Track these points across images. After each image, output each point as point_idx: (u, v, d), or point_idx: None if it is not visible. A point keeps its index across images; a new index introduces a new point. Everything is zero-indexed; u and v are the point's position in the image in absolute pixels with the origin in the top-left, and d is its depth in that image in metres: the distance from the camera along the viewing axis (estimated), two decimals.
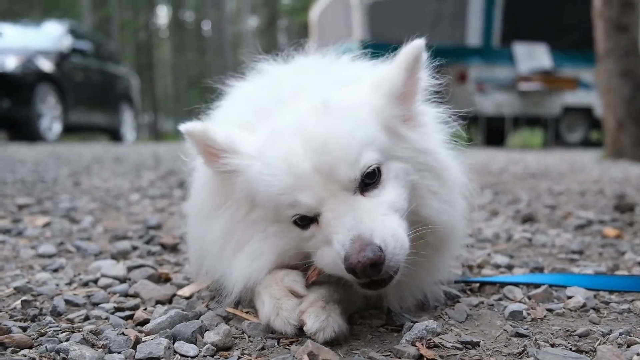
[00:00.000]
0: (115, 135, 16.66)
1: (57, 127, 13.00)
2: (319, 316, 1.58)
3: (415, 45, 1.70)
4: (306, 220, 1.61)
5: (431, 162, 1.75)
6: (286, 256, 1.72)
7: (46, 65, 12.69)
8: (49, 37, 13.71)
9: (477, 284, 2.19)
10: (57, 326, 1.72)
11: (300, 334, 1.61)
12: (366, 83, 1.73)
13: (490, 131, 16.12)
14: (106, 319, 1.82)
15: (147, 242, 2.92)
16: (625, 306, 1.95)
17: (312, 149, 1.56)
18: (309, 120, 1.61)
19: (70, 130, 15.02)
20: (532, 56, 15.49)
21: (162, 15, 52.50)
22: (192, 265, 2.15)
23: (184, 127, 1.69)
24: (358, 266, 1.46)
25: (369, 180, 1.59)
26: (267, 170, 1.60)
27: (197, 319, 1.75)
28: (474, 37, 15.47)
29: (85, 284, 2.20)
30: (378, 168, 1.61)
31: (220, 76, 2.02)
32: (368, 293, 1.69)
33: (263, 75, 1.92)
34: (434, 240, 1.74)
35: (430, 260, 1.75)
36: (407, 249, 1.55)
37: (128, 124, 17.14)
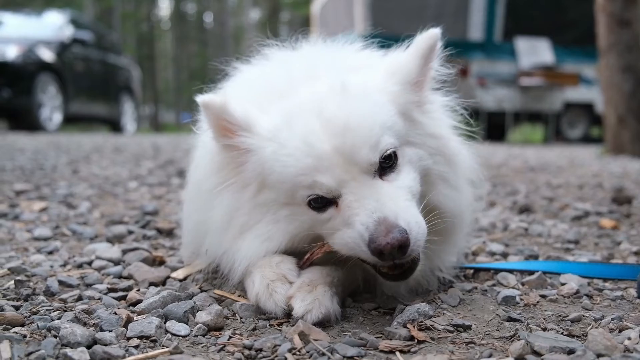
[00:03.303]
0: (115, 126, 16.64)
1: (57, 117, 12.98)
2: (304, 299, 1.59)
3: (432, 35, 1.74)
4: (322, 202, 1.61)
5: (442, 148, 1.78)
6: (297, 239, 1.72)
7: (47, 55, 12.66)
8: (50, 26, 13.68)
9: (471, 271, 2.19)
10: (50, 305, 1.73)
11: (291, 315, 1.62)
12: (381, 69, 1.75)
13: (491, 126, 16.09)
14: (99, 299, 1.82)
15: (143, 227, 2.92)
16: (619, 293, 1.95)
17: (333, 130, 1.56)
18: (327, 101, 1.61)
19: (71, 121, 15.00)
20: (534, 51, 15.43)
21: (164, 7, 52.52)
22: (185, 247, 2.14)
23: (202, 98, 1.66)
24: (386, 248, 1.47)
25: (387, 164, 1.61)
26: (284, 150, 1.59)
27: (190, 299, 1.75)
28: (476, 31, 15.42)
29: (80, 266, 2.20)
30: (395, 152, 1.63)
31: (226, 59, 2.01)
32: (391, 284, 1.71)
33: (271, 60, 1.92)
34: (444, 227, 1.74)
35: (434, 248, 1.74)
36: (425, 236, 1.57)
37: (128, 115, 17.11)
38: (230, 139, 1.68)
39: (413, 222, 1.54)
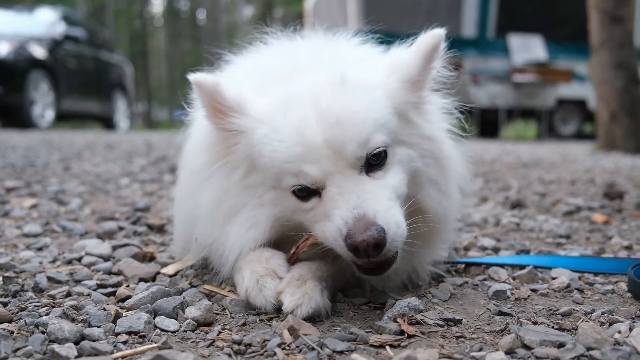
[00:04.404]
0: (108, 123, 16.54)
1: (49, 114, 12.88)
2: (294, 294, 1.59)
3: (436, 35, 1.72)
4: (307, 192, 1.61)
5: (435, 150, 1.77)
6: (279, 224, 1.71)
7: (39, 51, 12.56)
8: (42, 23, 13.57)
9: (463, 265, 2.19)
10: (38, 302, 1.71)
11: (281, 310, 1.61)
12: (382, 64, 1.73)
13: (484, 123, 16.11)
14: (88, 295, 1.80)
15: (134, 223, 2.90)
16: (609, 287, 1.96)
17: (325, 122, 1.56)
18: (324, 92, 1.60)
19: (63, 118, 14.88)
20: (527, 48, 15.45)
21: (157, 3, 52.25)
22: (177, 241, 2.13)
23: (194, 76, 1.65)
24: (362, 245, 1.47)
25: (374, 161, 1.61)
26: (275, 135, 1.59)
27: (179, 295, 1.74)
28: (469, 28, 15.42)
29: (69, 262, 2.18)
30: (385, 151, 1.62)
31: (223, 45, 2.00)
32: (365, 278, 1.71)
33: (272, 48, 1.92)
34: (426, 230, 1.74)
35: (419, 248, 1.74)
36: (404, 237, 1.57)
37: (121, 112, 17.01)
38: (221, 119, 1.67)
39: (392, 222, 1.53)
